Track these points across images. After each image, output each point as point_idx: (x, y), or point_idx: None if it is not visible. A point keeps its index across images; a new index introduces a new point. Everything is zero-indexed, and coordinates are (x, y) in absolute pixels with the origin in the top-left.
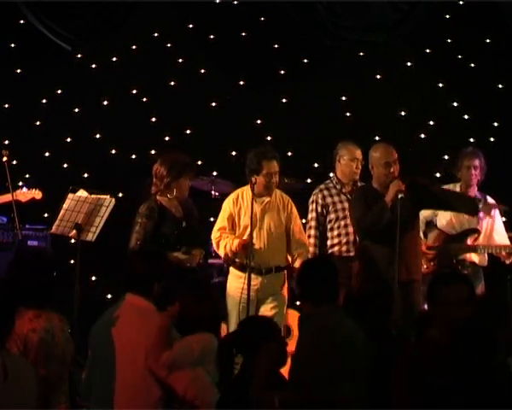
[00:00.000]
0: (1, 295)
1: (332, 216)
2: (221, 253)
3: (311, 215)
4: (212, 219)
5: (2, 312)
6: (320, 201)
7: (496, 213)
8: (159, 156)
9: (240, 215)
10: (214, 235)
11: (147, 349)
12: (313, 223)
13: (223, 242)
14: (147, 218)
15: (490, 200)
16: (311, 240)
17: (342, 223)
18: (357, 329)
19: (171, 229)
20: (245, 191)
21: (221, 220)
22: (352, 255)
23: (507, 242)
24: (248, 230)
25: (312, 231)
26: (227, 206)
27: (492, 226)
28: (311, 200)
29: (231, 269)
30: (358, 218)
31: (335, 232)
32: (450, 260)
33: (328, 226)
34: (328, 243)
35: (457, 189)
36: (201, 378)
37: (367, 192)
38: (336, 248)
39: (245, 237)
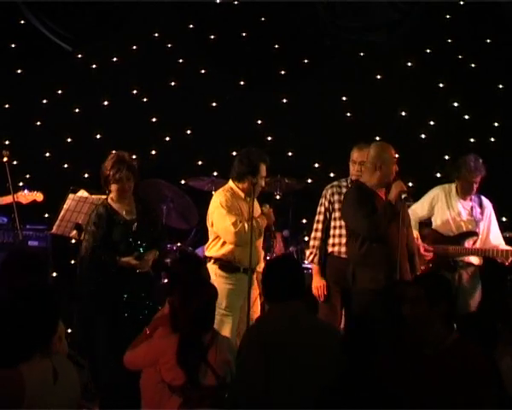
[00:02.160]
0: (46, 299)
1: (337, 215)
2: (243, 239)
3: (319, 209)
4: None
5: (50, 316)
6: (328, 196)
7: (491, 214)
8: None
9: (252, 211)
10: (235, 227)
11: None
12: (320, 217)
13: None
14: (95, 225)
15: (485, 202)
16: (318, 234)
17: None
18: (310, 329)
19: (121, 234)
20: (230, 191)
21: (233, 214)
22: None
23: (502, 242)
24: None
25: (320, 226)
26: (229, 201)
27: (489, 228)
28: (322, 194)
29: (219, 271)
30: (354, 223)
31: (337, 232)
32: (448, 261)
33: (332, 224)
34: (330, 241)
35: (453, 190)
36: (148, 378)
37: (361, 192)
38: (336, 249)
39: None
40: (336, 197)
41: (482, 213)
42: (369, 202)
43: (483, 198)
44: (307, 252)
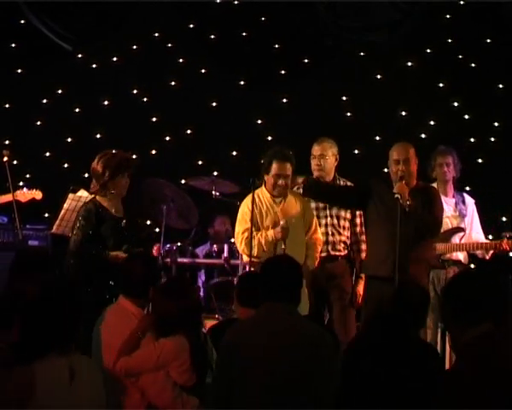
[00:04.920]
0: (67, 297)
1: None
2: (254, 251)
3: None
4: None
5: (69, 314)
6: None
7: (474, 211)
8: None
9: (261, 215)
10: (241, 237)
11: (118, 350)
12: None
13: (254, 240)
14: (84, 220)
15: (467, 199)
16: None
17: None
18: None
19: (110, 230)
20: (260, 192)
21: (244, 223)
22: (324, 255)
23: (482, 237)
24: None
25: None
26: (246, 208)
27: (471, 225)
28: None
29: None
30: None
31: None
32: (437, 259)
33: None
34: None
35: None
36: (160, 382)
37: (375, 183)
38: None
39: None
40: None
41: (466, 210)
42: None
43: (465, 195)
44: None
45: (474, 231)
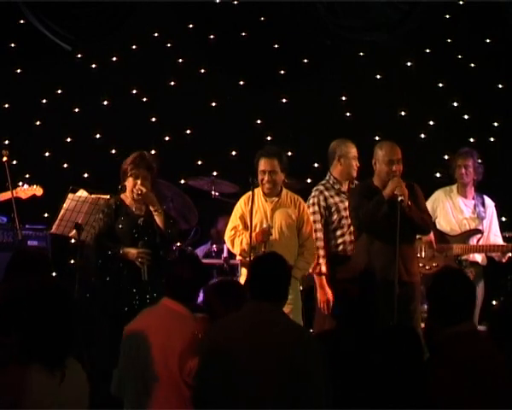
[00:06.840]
0: (60, 305)
1: (335, 217)
2: (236, 250)
3: (315, 217)
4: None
5: (64, 324)
6: (322, 203)
7: (493, 213)
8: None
9: (251, 214)
10: (228, 234)
11: (180, 353)
12: (318, 226)
13: (238, 239)
14: (103, 214)
15: (487, 201)
16: (320, 243)
17: (346, 222)
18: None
19: (127, 226)
20: (256, 191)
21: (234, 220)
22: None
23: (500, 241)
24: (258, 227)
25: (319, 234)
26: (239, 206)
27: (490, 227)
28: (311, 202)
29: (243, 270)
30: (355, 207)
31: (339, 232)
32: (453, 260)
33: (332, 227)
34: (333, 242)
35: (454, 190)
36: None
37: (367, 187)
38: (341, 247)
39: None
40: (331, 201)
41: (485, 212)
42: (367, 196)
43: (485, 197)
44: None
45: (493, 234)
